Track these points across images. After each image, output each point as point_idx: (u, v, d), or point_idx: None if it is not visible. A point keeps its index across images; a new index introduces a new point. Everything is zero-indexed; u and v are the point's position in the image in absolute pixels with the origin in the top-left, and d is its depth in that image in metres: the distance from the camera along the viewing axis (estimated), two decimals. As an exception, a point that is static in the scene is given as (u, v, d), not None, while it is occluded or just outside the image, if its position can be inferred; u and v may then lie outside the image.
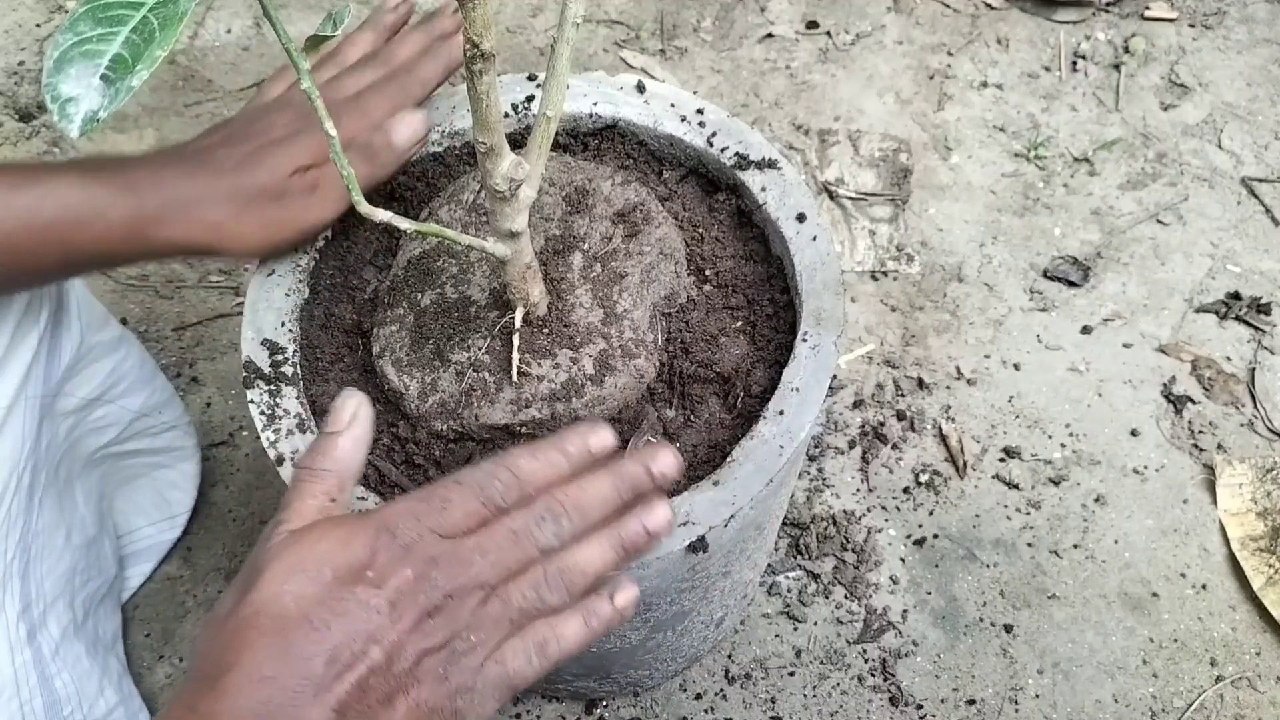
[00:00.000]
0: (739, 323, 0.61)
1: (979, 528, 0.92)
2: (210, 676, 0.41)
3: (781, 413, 0.55)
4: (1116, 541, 0.91)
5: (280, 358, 0.58)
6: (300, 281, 0.61)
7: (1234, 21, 1.28)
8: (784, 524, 0.92)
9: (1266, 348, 1.02)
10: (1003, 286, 1.07)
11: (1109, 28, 1.27)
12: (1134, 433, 0.97)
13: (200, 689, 0.41)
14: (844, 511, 0.93)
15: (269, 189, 0.58)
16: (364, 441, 0.48)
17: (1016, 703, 0.84)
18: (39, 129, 1.19)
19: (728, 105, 1.21)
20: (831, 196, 1.13)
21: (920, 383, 1.00)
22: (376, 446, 0.57)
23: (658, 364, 0.58)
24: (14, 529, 0.65)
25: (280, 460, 0.55)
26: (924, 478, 0.94)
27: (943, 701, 0.84)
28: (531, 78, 0.69)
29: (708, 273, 0.63)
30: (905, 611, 0.88)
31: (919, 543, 0.91)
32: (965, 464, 0.95)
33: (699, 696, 0.84)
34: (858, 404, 0.99)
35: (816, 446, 0.96)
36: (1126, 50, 1.25)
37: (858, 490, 0.94)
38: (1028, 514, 0.93)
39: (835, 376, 0.98)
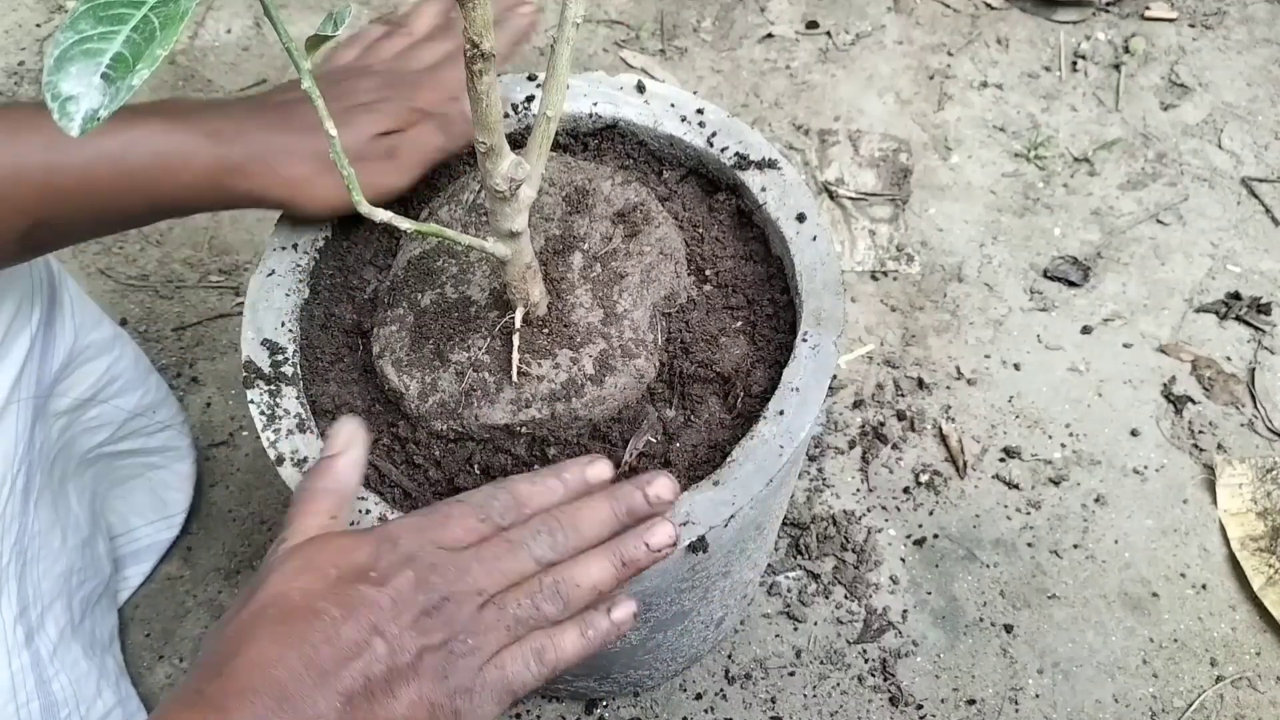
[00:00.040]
0: (739, 323, 0.61)
1: (979, 528, 0.92)
2: (216, 665, 0.42)
3: (781, 413, 0.55)
4: (1116, 541, 0.91)
5: (280, 358, 0.58)
6: (300, 281, 0.61)
7: (1234, 21, 1.28)
8: (784, 524, 0.92)
9: (1266, 348, 1.02)
10: (1003, 286, 1.07)
11: (1109, 28, 1.27)
12: (1134, 433, 0.97)
13: (206, 675, 0.41)
14: (844, 511, 0.93)
15: (350, 151, 0.58)
16: (360, 464, 0.50)
17: (1016, 703, 0.84)
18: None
19: (728, 105, 1.21)
20: (831, 196, 1.13)
21: (920, 383, 1.00)
22: (376, 446, 0.57)
23: (658, 364, 0.58)
24: (9, 532, 0.65)
25: (280, 460, 0.55)
26: (924, 478, 0.94)
27: (943, 701, 0.84)
28: (531, 78, 0.70)
29: (708, 273, 0.63)
30: (905, 611, 0.88)
31: (919, 543, 0.91)
32: (965, 464, 0.95)
33: (699, 696, 0.84)
34: (858, 404, 0.99)
35: (816, 446, 0.96)
36: (1126, 50, 1.25)
37: (858, 490, 0.94)
38: (1028, 514, 0.93)
39: (835, 376, 0.98)
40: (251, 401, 0.56)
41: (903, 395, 0.99)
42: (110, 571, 0.81)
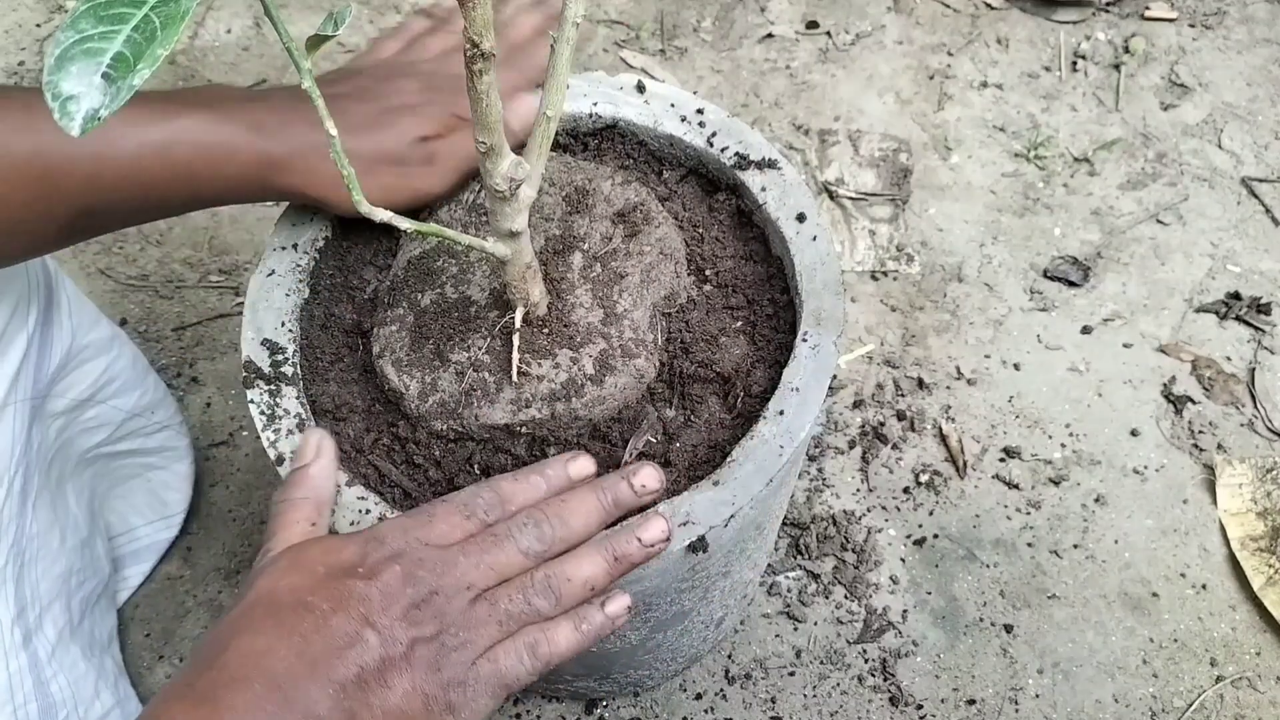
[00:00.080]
0: (739, 323, 0.61)
1: (979, 528, 0.92)
2: (207, 660, 0.41)
3: (781, 413, 0.55)
4: (1116, 541, 0.91)
5: (280, 358, 0.58)
6: (300, 281, 0.61)
7: (1234, 21, 1.28)
8: (784, 524, 0.92)
9: (1266, 348, 1.02)
10: (1003, 286, 1.07)
11: (1109, 28, 1.27)
12: (1134, 433, 0.97)
13: (197, 669, 0.41)
14: (844, 511, 0.93)
15: (392, 153, 0.58)
16: (331, 471, 0.51)
17: (1016, 703, 0.84)
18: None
19: (728, 105, 1.21)
20: (831, 196, 1.13)
21: (920, 383, 1.00)
22: (376, 446, 0.57)
23: (658, 364, 0.58)
24: (6, 534, 0.65)
25: (280, 460, 0.55)
26: (924, 478, 0.94)
27: (943, 701, 0.84)
28: (532, 78, 0.69)
29: (708, 273, 0.63)
30: (905, 611, 0.88)
31: (919, 543, 0.91)
32: (965, 464, 0.95)
33: (699, 696, 0.84)
34: (858, 404, 0.99)
35: (816, 446, 0.96)
36: (1126, 50, 1.25)
37: (858, 490, 0.94)
38: (1028, 514, 0.93)
39: (835, 376, 0.98)
40: (251, 401, 0.56)
41: (903, 395, 0.99)
42: (109, 571, 0.81)
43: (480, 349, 0.56)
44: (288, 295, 0.61)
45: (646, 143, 0.68)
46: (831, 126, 1.19)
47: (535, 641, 0.46)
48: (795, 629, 0.87)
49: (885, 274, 1.08)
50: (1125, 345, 1.03)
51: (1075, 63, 1.24)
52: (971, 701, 0.84)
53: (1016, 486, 0.94)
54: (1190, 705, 0.83)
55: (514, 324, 0.55)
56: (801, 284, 0.60)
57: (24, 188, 0.50)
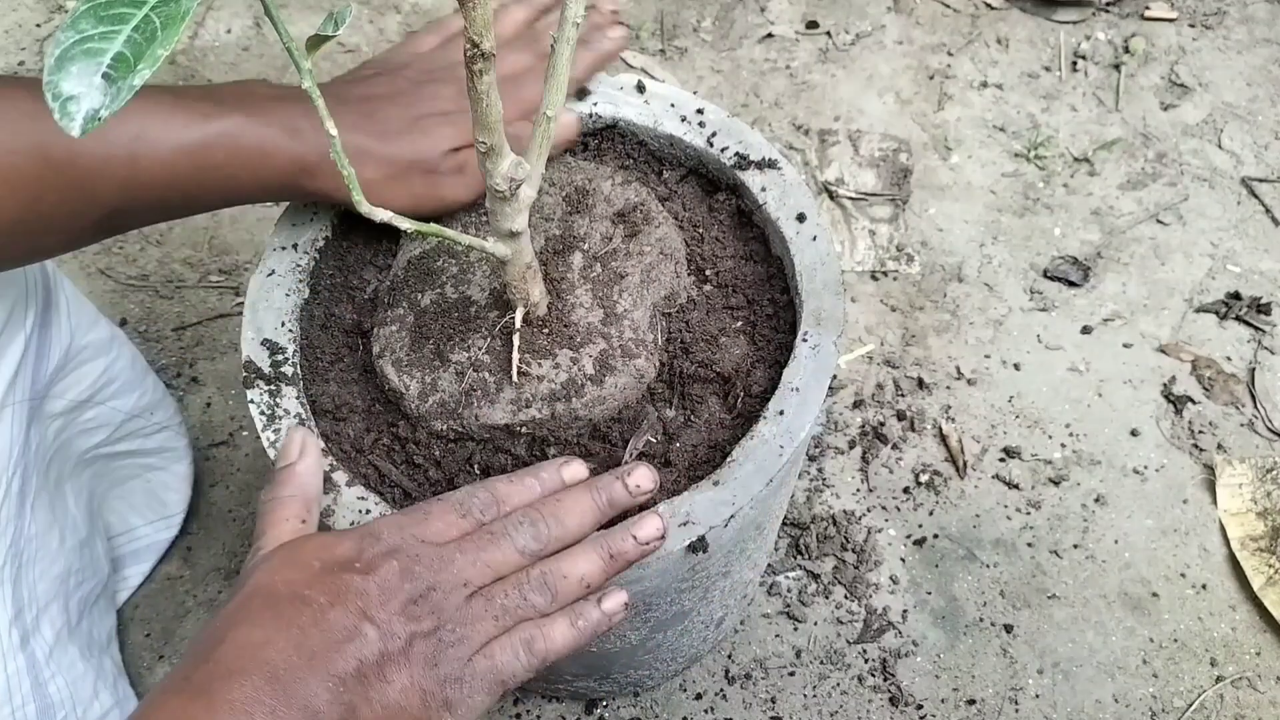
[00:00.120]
0: (739, 323, 0.61)
1: (979, 528, 0.92)
2: (202, 653, 0.41)
3: (781, 413, 0.55)
4: (1116, 541, 0.91)
5: (280, 358, 0.58)
6: (300, 281, 0.61)
7: (1234, 21, 1.28)
8: (784, 524, 0.92)
9: (1266, 348, 1.02)
10: (1003, 286, 1.07)
11: (1109, 28, 1.27)
12: (1134, 433, 0.97)
13: (192, 663, 0.41)
14: (844, 511, 0.93)
15: (424, 161, 0.58)
16: (317, 469, 0.51)
17: (1016, 703, 0.84)
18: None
19: (728, 105, 1.21)
20: (831, 196, 1.13)
21: (920, 383, 1.00)
22: (376, 446, 0.57)
23: (658, 364, 0.58)
24: (4, 535, 0.64)
25: (280, 460, 0.55)
26: (924, 478, 0.94)
27: (943, 701, 0.84)
28: (532, 78, 0.69)
29: (708, 273, 0.63)
30: (905, 611, 0.88)
31: (919, 543, 0.91)
32: (965, 464, 0.95)
33: (699, 696, 0.84)
34: (858, 404, 0.99)
35: (816, 446, 0.96)
36: (1126, 50, 1.25)
37: (858, 490, 0.94)
38: (1028, 514, 0.93)
39: (835, 376, 0.98)
40: (251, 401, 0.56)
41: (903, 395, 0.99)
42: (108, 572, 0.81)
43: (480, 349, 0.56)
44: (288, 295, 0.61)
45: (646, 143, 0.68)
46: (831, 126, 1.19)
47: (531, 638, 0.46)
48: (795, 629, 0.87)
49: (885, 274, 1.08)
50: (1125, 345, 1.03)
51: (1075, 63, 1.24)
52: (971, 701, 0.84)
53: (1016, 486, 0.94)
54: (1190, 705, 0.83)
55: (514, 324, 0.55)
56: (801, 284, 0.60)
57: (60, 188, 0.50)
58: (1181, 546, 0.91)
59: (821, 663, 0.85)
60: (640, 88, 0.68)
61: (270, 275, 0.61)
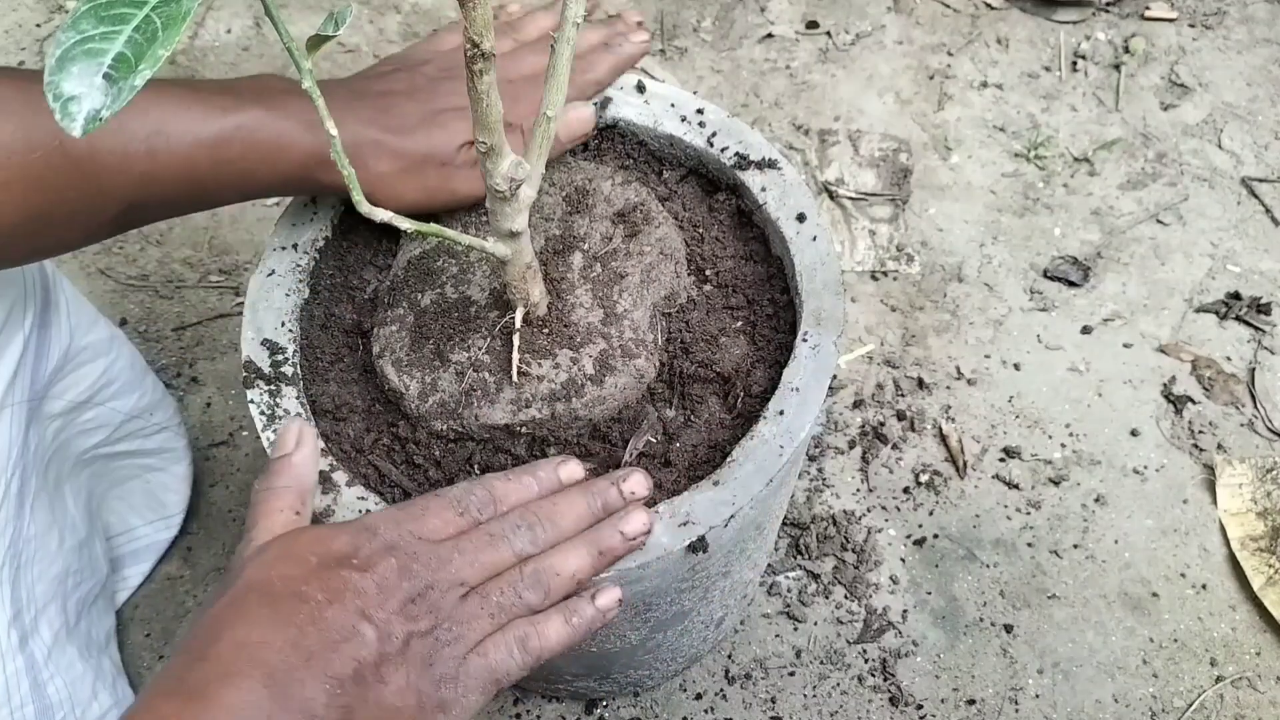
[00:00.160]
0: (739, 323, 0.61)
1: (979, 528, 0.92)
2: (197, 651, 0.40)
3: (781, 413, 0.55)
4: (1116, 541, 0.91)
5: (280, 358, 0.58)
6: (300, 281, 0.61)
7: (1234, 21, 1.28)
8: (784, 524, 0.92)
9: (1266, 348, 1.02)
10: (1003, 286, 1.07)
11: (1109, 28, 1.27)
12: (1134, 433, 0.97)
13: (186, 662, 0.40)
14: (844, 511, 0.93)
15: (439, 155, 0.58)
16: (312, 460, 0.51)
17: (1016, 703, 0.84)
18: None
19: (728, 105, 1.21)
20: (831, 196, 1.13)
21: (920, 383, 1.00)
22: (376, 446, 0.57)
23: (658, 364, 0.58)
24: (3, 537, 0.64)
25: (280, 460, 0.55)
26: (924, 478, 0.94)
27: (943, 701, 0.84)
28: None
29: (708, 273, 0.63)
30: (905, 611, 0.88)
31: (919, 543, 0.91)
32: (965, 464, 0.95)
33: (699, 696, 0.84)
34: (858, 404, 0.99)
35: (816, 446, 0.96)
36: (1126, 50, 1.25)
37: (858, 490, 0.94)
38: (1028, 514, 0.93)
39: (835, 376, 0.98)
40: (251, 401, 0.56)
41: (903, 395, 0.99)
42: (107, 572, 0.81)
43: (480, 349, 0.56)
44: (288, 295, 0.61)
45: (646, 143, 0.68)
46: (831, 126, 1.19)
47: (525, 635, 0.46)
48: (795, 629, 0.87)
49: (885, 274, 1.08)
50: (1125, 345, 1.03)
51: (1075, 63, 1.24)
52: (971, 701, 0.84)
53: (1016, 486, 0.94)
54: (1190, 705, 0.83)
55: (514, 324, 0.55)
56: (801, 284, 0.60)
57: (80, 183, 0.50)
58: (1181, 546, 0.91)
59: (821, 663, 0.85)
60: (640, 88, 0.68)
61: (270, 275, 0.61)
